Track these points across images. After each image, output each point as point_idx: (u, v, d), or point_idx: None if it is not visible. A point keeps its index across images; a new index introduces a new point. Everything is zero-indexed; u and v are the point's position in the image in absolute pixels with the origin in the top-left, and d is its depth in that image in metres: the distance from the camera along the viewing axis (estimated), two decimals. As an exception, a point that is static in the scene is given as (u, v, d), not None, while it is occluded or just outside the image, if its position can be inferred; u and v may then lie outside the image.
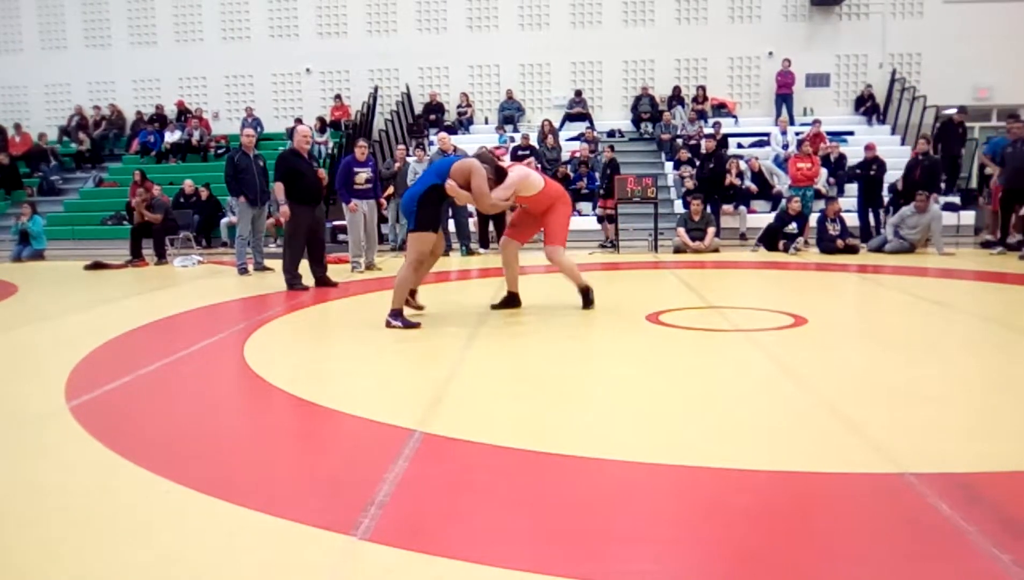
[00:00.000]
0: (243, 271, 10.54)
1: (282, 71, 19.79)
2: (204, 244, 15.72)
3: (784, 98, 18.10)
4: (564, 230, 7.19)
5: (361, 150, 10.87)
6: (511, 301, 7.20)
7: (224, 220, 15.88)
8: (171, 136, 18.72)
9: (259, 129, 18.99)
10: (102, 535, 2.65)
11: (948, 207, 13.97)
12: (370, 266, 10.77)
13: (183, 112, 19.51)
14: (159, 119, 19.37)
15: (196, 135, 18.69)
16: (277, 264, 11.02)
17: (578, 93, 18.85)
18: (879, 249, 11.92)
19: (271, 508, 2.79)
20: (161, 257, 12.58)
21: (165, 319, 7.10)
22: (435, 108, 18.81)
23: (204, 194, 15.92)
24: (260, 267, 10.89)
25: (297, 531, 2.62)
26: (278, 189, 8.89)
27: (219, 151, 18.75)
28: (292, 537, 2.59)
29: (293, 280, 8.80)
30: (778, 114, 17.87)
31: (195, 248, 15.02)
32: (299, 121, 17.42)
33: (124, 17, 19.98)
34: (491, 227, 13.23)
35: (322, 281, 8.88)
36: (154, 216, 12.69)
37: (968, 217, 14.51)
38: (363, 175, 10.69)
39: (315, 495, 3.00)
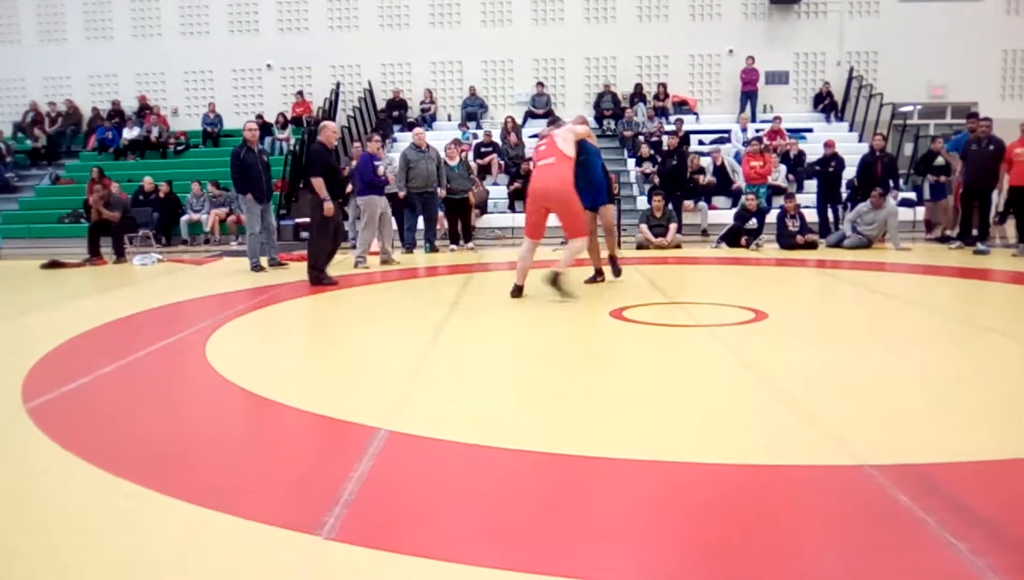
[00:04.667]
0: (256, 268, 10.31)
1: (242, 67, 19.58)
2: (164, 242, 15.52)
3: (749, 95, 18.29)
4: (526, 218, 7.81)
5: (376, 144, 11.15)
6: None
7: (184, 217, 15.70)
8: (129, 132, 18.45)
9: (219, 126, 18.82)
10: (61, 539, 2.61)
11: (904, 203, 14.20)
12: (387, 261, 10.71)
13: (144, 108, 19.21)
14: (117, 115, 19.06)
15: (155, 131, 18.43)
16: (243, 260, 10.90)
17: (540, 84, 18.88)
18: (837, 244, 12.08)
19: (234, 509, 2.77)
20: (120, 255, 12.38)
21: (124, 318, 7.00)
22: (398, 104, 18.74)
23: (163, 191, 15.72)
24: (275, 263, 10.67)
25: (261, 532, 2.60)
26: (319, 185, 8.78)
27: (178, 148, 18.52)
28: (256, 538, 2.57)
29: (320, 275, 8.79)
30: (742, 111, 18.04)
31: (154, 246, 14.81)
32: (260, 117, 17.28)
33: (80, 11, 19.63)
34: (459, 226, 13.20)
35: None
36: (112, 214, 12.48)
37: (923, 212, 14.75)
38: (381, 168, 10.93)
39: (279, 495, 2.98)
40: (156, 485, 3.00)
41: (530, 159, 16.05)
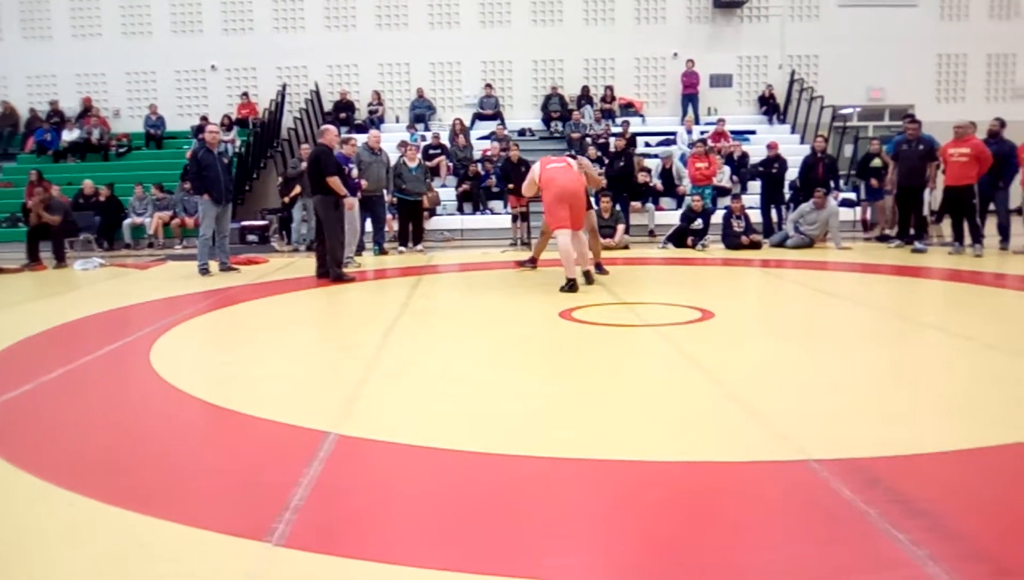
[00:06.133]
0: (204, 271, 10.11)
1: (186, 68, 19.24)
2: (106, 246, 15.19)
3: (690, 98, 18.49)
4: (549, 213, 8.32)
5: (352, 147, 11.29)
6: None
7: (127, 221, 15.39)
8: (69, 135, 18.01)
9: (162, 128, 18.49)
10: (1, 552, 2.55)
11: (845, 203, 14.49)
12: (346, 263, 10.56)
13: (87, 109, 18.77)
14: (56, 117, 18.61)
15: (96, 133, 18.04)
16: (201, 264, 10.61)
17: (488, 85, 18.89)
18: (781, 244, 12.29)
19: (181, 516, 2.73)
20: (60, 260, 12.10)
21: (66, 324, 6.85)
22: (345, 106, 18.57)
23: (105, 194, 15.39)
24: (226, 267, 10.45)
25: (209, 539, 2.57)
26: (337, 183, 9.15)
27: (120, 150, 18.15)
28: (204, 546, 2.54)
29: (341, 271, 9.25)
30: (684, 114, 18.24)
31: (96, 250, 14.50)
32: (205, 119, 17.02)
33: (15, 10, 19.09)
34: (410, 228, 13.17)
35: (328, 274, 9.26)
36: (52, 217, 12.19)
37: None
38: (354, 171, 11.14)
39: (227, 502, 2.95)
40: (100, 494, 2.94)
41: (479, 161, 16.15)
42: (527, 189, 8.87)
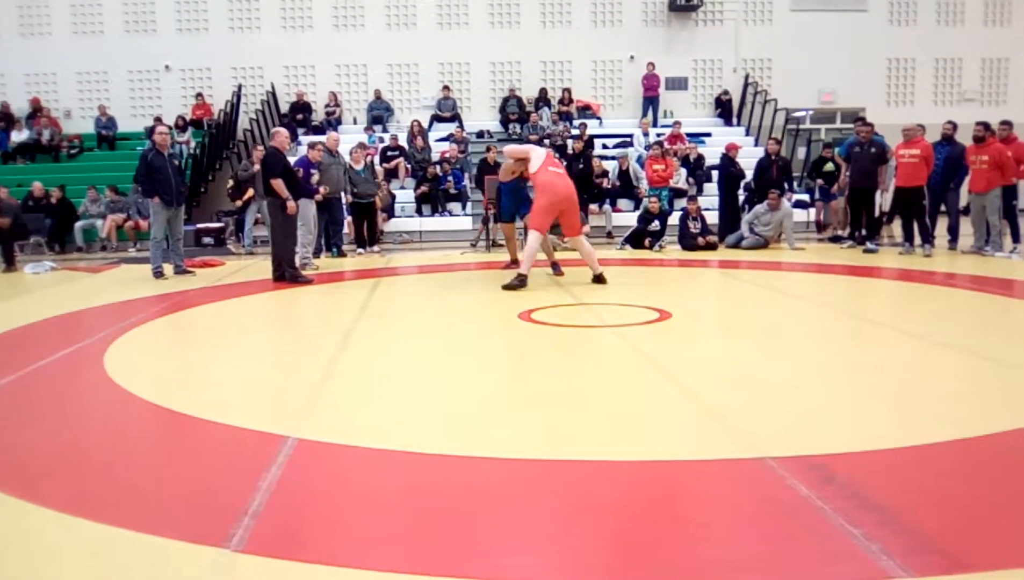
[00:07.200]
0: (158, 274, 9.97)
1: (139, 68, 18.94)
2: (57, 249, 14.90)
3: (651, 100, 18.64)
4: (538, 214, 8.22)
5: (318, 153, 11.49)
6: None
7: (78, 224, 15.11)
8: (18, 136, 17.64)
9: (114, 129, 18.19)
10: (-47, 561, 2.51)
11: (798, 205, 14.71)
12: (304, 266, 10.44)
13: (36, 110, 18.38)
14: (5, 117, 18.21)
15: (46, 135, 17.68)
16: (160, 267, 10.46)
17: (446, 87, 18.87)
18: (736, 245, 12.44)
19: (137, 524, 2.70)
20: (10, 264, 11.84)
21: (16, 330, 6.71)
22: (302, 108, 18.44)
23: (56, 197, 15.09)
24: (181, 270, 10.31)
25: (166, 547, 2.54)
26: (280, 186, 9.14)
27: (72, 151, 17.81)
28: (161, 553, 2.51)
29: (296, 273, 9.34)
30: (644, 116, 18.38)
31: (47, 254, 14.21)
32: (159, 120, 16.75)
33: (-39, 9, 18.69)
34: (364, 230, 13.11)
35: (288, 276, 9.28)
36: (1, 220, 11.92)
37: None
38: (315, 175, 11.36)
39: (184, 508, 2.91)
40: (53, 503, 2.90)
41: (437, 163, 16.12)
42: (513, 158, 8.77)
